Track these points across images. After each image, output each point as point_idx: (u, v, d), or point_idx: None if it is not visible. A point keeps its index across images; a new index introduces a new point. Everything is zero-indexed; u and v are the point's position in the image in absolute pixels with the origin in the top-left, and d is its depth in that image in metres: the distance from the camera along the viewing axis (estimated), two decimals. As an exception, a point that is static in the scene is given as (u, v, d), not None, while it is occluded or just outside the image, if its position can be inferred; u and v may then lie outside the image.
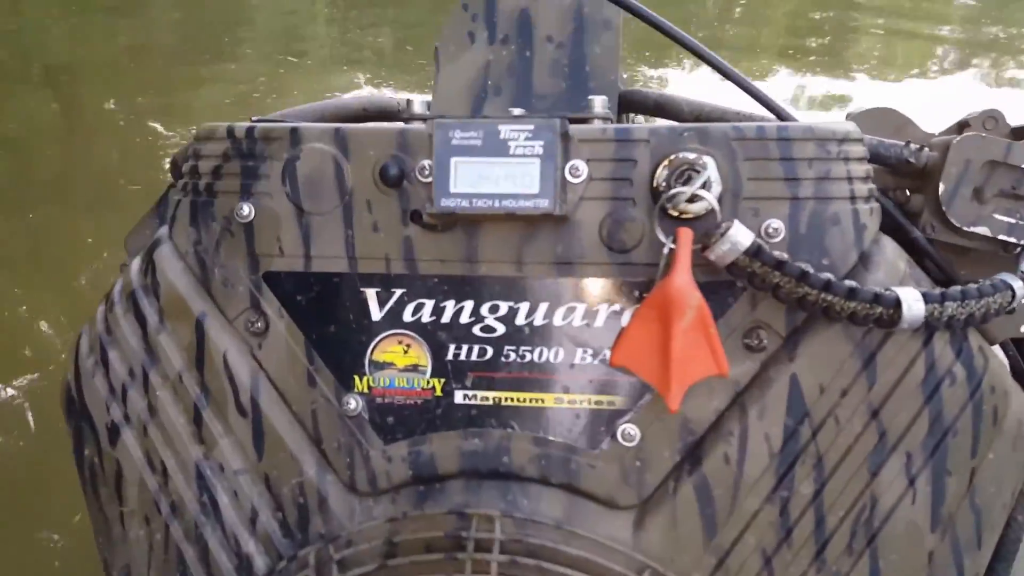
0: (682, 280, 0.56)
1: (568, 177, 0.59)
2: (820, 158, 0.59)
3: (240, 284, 0.64)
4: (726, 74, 0.68)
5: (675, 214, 0.59)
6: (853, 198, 0.59)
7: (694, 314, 0.57)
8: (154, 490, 0.67)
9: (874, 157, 0.66)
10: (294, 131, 0.62)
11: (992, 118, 0.68)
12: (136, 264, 0.68)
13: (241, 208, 0.63)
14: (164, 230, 0.67)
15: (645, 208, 0.60)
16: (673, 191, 0.57)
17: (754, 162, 0.59)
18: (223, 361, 0.65)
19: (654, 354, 0.58)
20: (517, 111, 0.64)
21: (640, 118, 1.18)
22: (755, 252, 0.55)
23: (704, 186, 0.57)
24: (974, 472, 0.61)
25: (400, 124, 0.64)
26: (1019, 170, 0.63)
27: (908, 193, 0.72)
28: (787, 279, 0.56)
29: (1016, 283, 0.60)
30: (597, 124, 0.62)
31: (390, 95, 0.91)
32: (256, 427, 0.65)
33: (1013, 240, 0.64)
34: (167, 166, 0.75)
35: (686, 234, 0.57)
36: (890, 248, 0.61)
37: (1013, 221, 0.64)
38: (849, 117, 0.77)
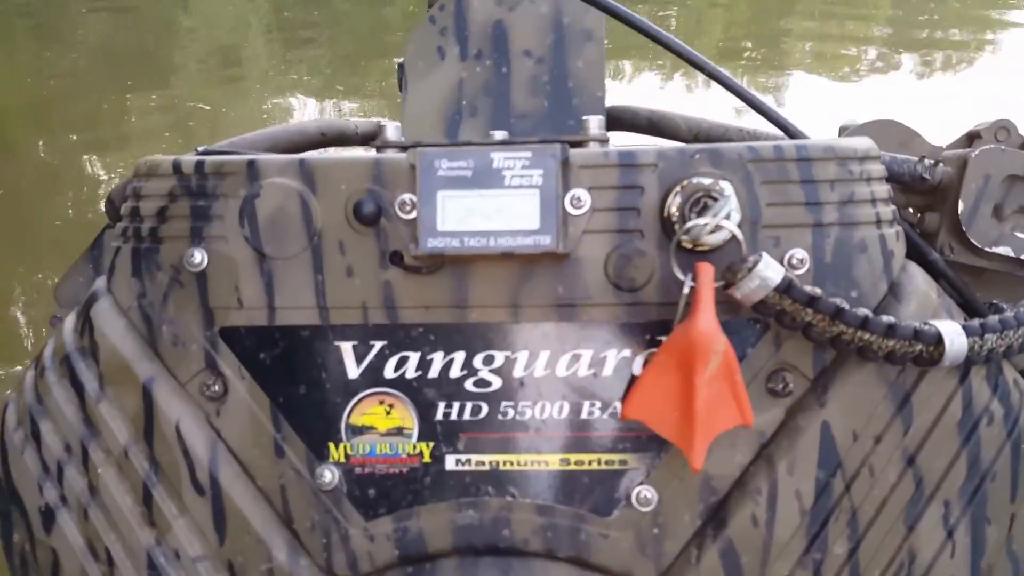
0: (707, 323, 0.50)
1: (569, 209, 0.53)
2: (843, 179, 0.53)
3: (193, 342, 0.56)
4: (728, 86, 0.62)
5: (689, 246, 0.53)
6: (879, 222, 0.54)
7: (720, 360, 0.51)
8: None
9: (888, 175, 0.61)
10: (251, 164, 0.54)
11: (1004, 128, 0.64)
12: (70, 322, 0.59)
13: (192, 255, 0.55)
14: (101, 281, 0.58)
15: (655, 241, 0.54)
16: (692, 223, 0.51)
17: (773, 185, 0.53)
18: (175, 432, 0.56)
19: (673, 406, 0.52)
20: (500, 134, 0.58)
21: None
22: (786, 288, 0.50)
23: (726, 215, 0.51)
24: (1013, 518, 0.57)
25: (372, 153, 0.56)
26: None
27: (912, 211, 0.68)
28: (820, 317, 0.50)
29: None
30: (595, 147, 0.55)
31: (345, 119, 0.83)
32: (216, 506, 0.56)
33: None
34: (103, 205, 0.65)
35: (707, 270, 0.51)
36: (919, 276, 0.56)
37: None
38: (844, 131, 0.73)
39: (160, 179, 0.55)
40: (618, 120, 0.77)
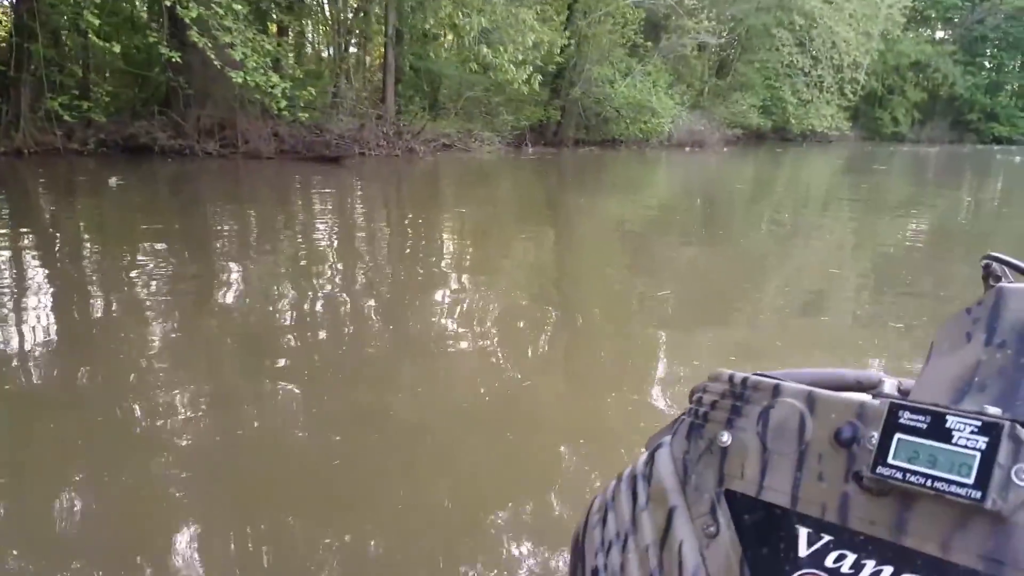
0: None
1: (1015, 480, 0.61)
2: None
3: (706, 492, 0.81)
4: None
5: None
6: None
7: None
8: None
9: None
10: (776, 387, 0.79)
11: None
12: (643, 457, 0.91)
13: (722, 435, 0.81)
14: (667, 438, 0.90)
15: None
16: None
17: None
18: (679, 547, 0.81)
19: None
20: (993, 410, 0.68)
21: None
22: None
23: None
24: None
25: (865, 396, 0.74)
26: None
27: None
28: None
29: None
30: None
31: (882, 375, 0.99)
32: None
33: None
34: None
35: None
36: None
37: None
38: None
39: (719, 383, 0.85)
40: None
